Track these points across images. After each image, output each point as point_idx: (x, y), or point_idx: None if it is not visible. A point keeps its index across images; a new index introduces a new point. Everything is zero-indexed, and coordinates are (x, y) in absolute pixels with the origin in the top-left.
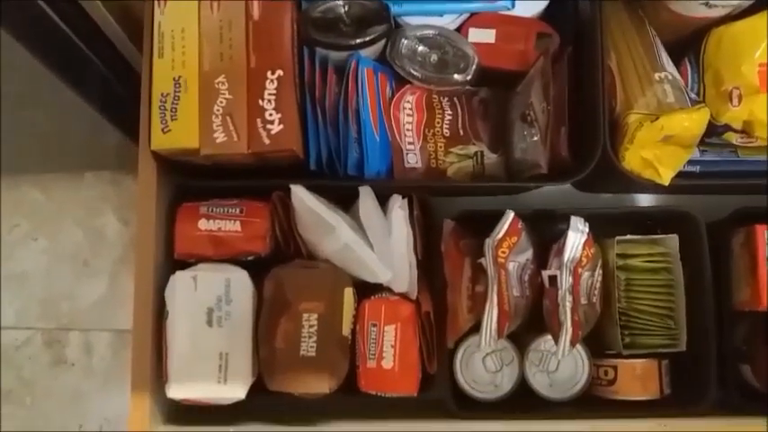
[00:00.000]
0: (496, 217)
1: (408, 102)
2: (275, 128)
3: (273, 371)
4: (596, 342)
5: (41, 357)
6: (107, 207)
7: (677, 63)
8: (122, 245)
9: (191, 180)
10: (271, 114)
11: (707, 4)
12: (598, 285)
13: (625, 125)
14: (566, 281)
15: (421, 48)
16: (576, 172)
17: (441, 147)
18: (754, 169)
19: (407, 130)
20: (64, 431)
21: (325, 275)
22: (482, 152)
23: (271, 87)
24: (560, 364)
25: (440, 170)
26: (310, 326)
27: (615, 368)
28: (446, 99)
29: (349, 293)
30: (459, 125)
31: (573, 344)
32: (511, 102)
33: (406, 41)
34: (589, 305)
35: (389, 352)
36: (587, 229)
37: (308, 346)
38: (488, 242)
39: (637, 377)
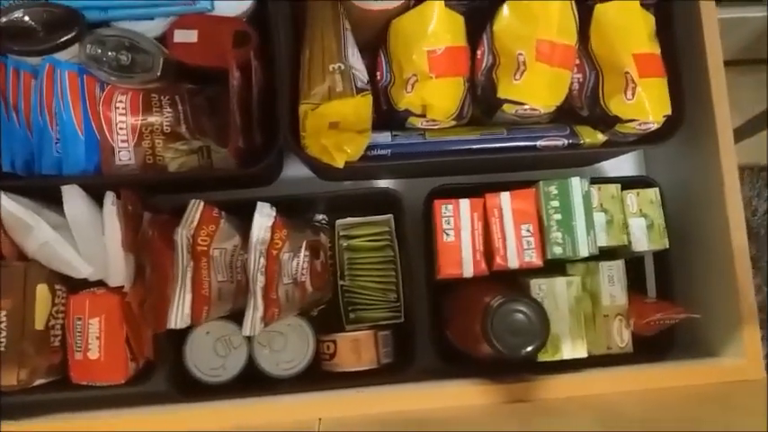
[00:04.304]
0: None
1: (122, 101)
2: None
3: None
4: (334, 320)
5: None
6: None
7: (376, 56)
8: None
9: None
10: None
11: None
12: (306, 265)
13: (300, 115)
14: (255, 262)
15: (108, 50)
16: (260, 160)
17: (159, 144)
18: (443, 149)
19: (120, 129)
20: None
21: (13, 274)
22: (208, 147)
23: None
24: (287, 343)
25: (159, 166)
26: None
27: (335, 342)
28: (166, 98)
29: (42, 289)
30: (182, 122)
31: (266, 322)
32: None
33: (90, 45)
34: (296, 284)
35: (95, 343)
36: (274, 213)
37: None
38: (179, 231)
39: (353, 349)
